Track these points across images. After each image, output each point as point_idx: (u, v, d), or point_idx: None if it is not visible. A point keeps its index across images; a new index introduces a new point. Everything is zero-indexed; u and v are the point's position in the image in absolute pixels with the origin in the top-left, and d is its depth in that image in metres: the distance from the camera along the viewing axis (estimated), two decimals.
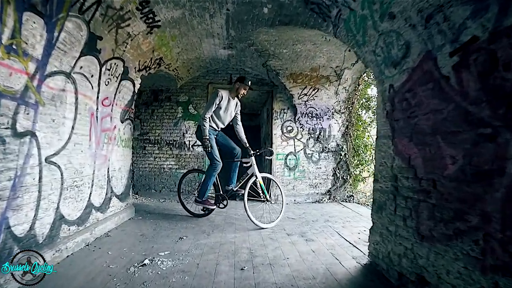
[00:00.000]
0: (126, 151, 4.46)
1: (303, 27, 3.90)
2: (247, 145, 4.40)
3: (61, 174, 2.92)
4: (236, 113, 4.40)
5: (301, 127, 6.33)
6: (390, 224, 2.58)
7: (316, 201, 6.28)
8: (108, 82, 3.78)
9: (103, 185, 3.75)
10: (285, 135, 6.30)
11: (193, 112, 6.25)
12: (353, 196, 6.54)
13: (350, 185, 6.82)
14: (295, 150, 6.31)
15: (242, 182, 4.26)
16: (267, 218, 4.30)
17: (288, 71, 5.77)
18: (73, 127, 3.09)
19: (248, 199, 4.00)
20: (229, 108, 4.24)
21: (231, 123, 4.48)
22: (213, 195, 4.47)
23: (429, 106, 2.19)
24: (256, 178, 4.11)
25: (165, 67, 5.14)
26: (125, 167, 4.42)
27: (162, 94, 6.39)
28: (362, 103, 7.76)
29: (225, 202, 4.37)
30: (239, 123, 4.47)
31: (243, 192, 4.16)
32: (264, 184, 4.19)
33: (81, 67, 3.16)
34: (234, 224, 4.18)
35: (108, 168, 3.89)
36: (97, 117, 3.60)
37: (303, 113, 6.30)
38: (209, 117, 4.10)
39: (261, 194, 4.13)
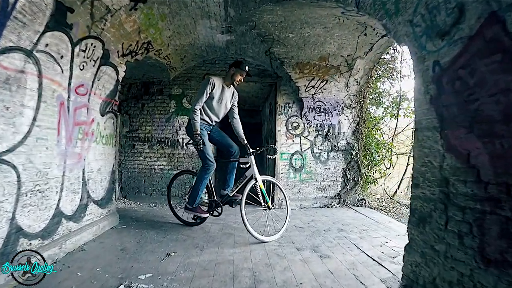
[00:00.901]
0: (107, 149, 3.88)
1: (316, 2, 3.34)
2: (245, 142, 3.81)
3: (18, 176, 2.37)
4: (232, 105, 3.84)
5: (308, 124, 5.77)
6: (437, 242, 2.02)
7: (325, 205, 5.71)
8: (83, 66, 3.22)
9: (77, 189, 3.18)
10: (290, 132, 5.73)
11: (187, 106, 5.68)
12: (364, 200, 5.99)
13: (361, 187, 6.27)
14: (301, 149, 5.74)
15: (240, 186, 3.67)
16: (271, 227, 3.71)
17: (294, 59, 5.21)
18: (35, 118, 2.54)
19: (246, 205, 3.41)
20: (223, 98, 3.67)
21: (226, 117, 3.92)
22: (206, 201, 3.89)
23: (497, 84, 1.63)
24: (256, 181, 3.51)
25: (154, 53, 4.57)
26: (107, 168, 3.84)
27: (153, 87, 5.82)
28: (372, 98, 7.26)
29: (219, 210, 3.77)
30: (236, 116, 3.89)
31: (240, 197, 3.60)
32: (266, 189, 3.62)
33: (46, 45, 2.61)
34: (232, 236, 3.60)
35: (84, 169, 3.31)
36: (68, 107, 3.04)
37: (310, 107, 5.73)
38: (199, 109, 3.53)
39: (262, 201, 3.52)
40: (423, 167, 2.25)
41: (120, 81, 4.08)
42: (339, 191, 5.87)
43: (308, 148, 5.76)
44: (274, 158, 5.55)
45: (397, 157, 8.16)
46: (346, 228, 4.09)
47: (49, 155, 2.73)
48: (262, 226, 3.70)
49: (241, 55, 5.61)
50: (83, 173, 3.30)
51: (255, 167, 3.57)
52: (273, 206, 3.63)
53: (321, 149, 5.82)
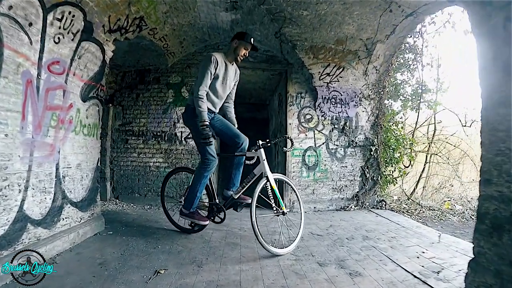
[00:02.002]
0: (91, 141, 3.33)
1: None
2: (236, 126, 3.31)
3: None
4: (235, 85, 3.30)
5: (322, 116, 5.19)
6: None
7: (341, 208, 5.13)
8: (59, 39, 2.69)
9: (48, 188, 2.63)
10: (302, 126, 5.15)
11: (186, 96, 5.12)
12: (384, 202, 5.41)
13: (380, 187, 5.69)
14: (315, 144, 5.16)
15: (246, 186, 3.06)
16: (284, 235, 3.11)
17: (308, 42, 4.64)
18: None
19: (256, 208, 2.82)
20: (227, 77, 3.10)
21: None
22: (207, 204, 3.30)
23: None
24: (268, 181, 2.89)
25: (148, 32, 4.02)
26: (89, 163, 3.29)
27: (149, 75, 5.27)
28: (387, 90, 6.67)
29: (222, 215, 3.18)
30: (233, 98, 3.37)
31: (247, 200, 3.02)
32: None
33: (10, 7, 2.11)
34: (238, 247, 2.99)
35: (58, 164, 2.76)
36: (38, 87, 2.51)
37: (325, 98, 5.16)
38: (205, 94, 2.93)
39: (275, 205, 2.88)
40: (498, 157, 1.65)
41: (108, 62, 3.54)
42: (357, 191, 5.28)
43: (323, 143, 5.18)
44: (285, 155, 4.98)
45: (416, 155, 7.59)
46: (372, 236, 3.51)
47: (10, 144, 2.18)
48: (272, 233, 3.11)
49: None
50: (57, 169, 2.74)
51: (265, 163, 2.96)
52: (288, 210, 3.04)
53: (337, 145, 5.24)
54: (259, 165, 2.97)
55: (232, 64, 3.14)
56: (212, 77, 2.95)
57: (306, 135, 5.14)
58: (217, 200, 3.23)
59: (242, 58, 3.07)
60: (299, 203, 3.19)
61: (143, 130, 5.17)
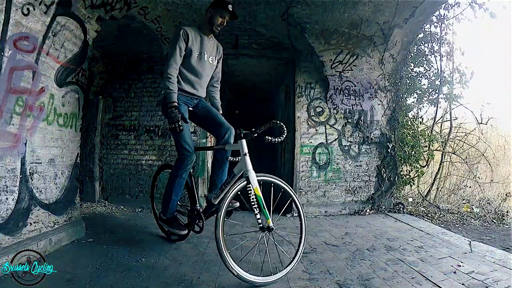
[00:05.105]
0: (68, 133, 2.93)
1: None
2: (221, 111, 2.88)
3: None
4: (218, 63, 2.86)
5: (334, 109, 4.77)
6: None
7: (355, 212, 4.71)
8: (28, 10, 2.33)
9: (10, 186, 2.23)
10: (312, 120, 4.73)
11: None
12: (402, 205, 4.98)
13: (396, 189, 5.26)
14: (326, 141, 4.73)
15: (226, 190, 2.41)
16: (274, 256, 2.42)
17: (319, 26, 4.23)
18: None
19: (242, 211, 2.28)
20: (204, 51, 2.65)
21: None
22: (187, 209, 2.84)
23: None
24: (248, 183, 2.25)
25: (139, 12, 3.64)
26: (65, 158, 2.89)
27: (142, 64, 4.90)
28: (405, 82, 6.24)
29: (201, 223, 2.65)
30: (218, 80, 2.95)
31: (234, 204, 2.44)
32: (266, 195, 2.32)
33: None
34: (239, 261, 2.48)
35: (24, 158, 2.36)
36: (0, 65, 2.11)
37: (338, 88, 4.74)
38: (176, 74, 2.53)
39: (258, 216, 2.20)
40: None
41: (91, 43, 3.16)
42: (372, 193, 4.86)
43: (335, 139, 4.76)
44: (293, 152, 4.56)
45: (433, 153, 7.16)
46: (396, 245, 3.08)
47: None
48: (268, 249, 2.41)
49: (250, 23, 4.64)
50: (23, 164, 2.35)
51: (247, 158, 2.32)
52: (292, 217, 2.44)
53: (350, 141, 4.81)
54: (240, 162, 2.37)
55: (210, 38, 2.72)
56: (183, 52, 2.54)
57: (317, 130, 4.72)
58: (197, 205, 2.76)
59: (219, 28, 2.64)
60: (300, 215, 2.43)
61: (135, 125, 4.79)
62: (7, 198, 2.20)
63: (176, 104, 2.44)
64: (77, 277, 2.07)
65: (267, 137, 2.31)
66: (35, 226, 2.47)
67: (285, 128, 2.39)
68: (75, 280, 2.01)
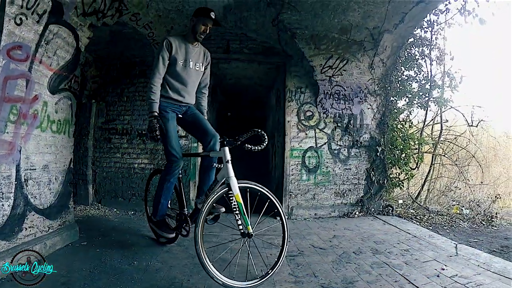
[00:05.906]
0: (61, 139, 3.02)
1: None
2: (206, 116, 3.01)
3: None
4: (205, 69, 2.96)
5: (324, 113, 4.90)
6: None
7: (344, 214, 4.84)
8: (21, 20, 2.40)
9: (6, 193, 2.32)
10: (302, 124, 4.85)
11: None
12: (391, 207, 5.13)
13: (386, 191, 5.41)
14: (316, 145, 4.86)
15: (211, 196, 2.38)
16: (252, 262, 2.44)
17: (309, 31, 4.36)
18: None
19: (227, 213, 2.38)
20: (190, 59, 2.76)
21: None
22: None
23: None
24: (230, 190, 2.31)
25: (130, 18, 3.74)
26: (59, 164, 2.98)
27: (135, 68, 4.99)
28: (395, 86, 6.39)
29: (187, 228, 2.75)
30: (206, 87, 3.05)
31: (220, 209, 2.54)
32: (248, 202, 2.38)
33: None
34: (229, 264, 2.51)
35: (19, 165, 2.45)
36: None
37: (327, 93, 4.87)
38: (159, 84, 2.65)
39: (240, 223, 2.28)
40: None
41: (83, 50, 3.25)
42: (362, 196, 5.00)
43: (325, 143, 4.89)
44: (283, 156, 4.68)
45: (423, 156, 7.34)
46: (382, 248, 3.22)
47: None
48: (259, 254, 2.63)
49: (241, 28, 4.76)
50: (18, 171, 2.44)
51: (229, 165, 2.38)
52: (252, 234, 2.28)
53: (340, 145, 4.95)
54: (223, 168, 2.45)
55: (195, 45, 2.82)
56: (166, 62, 2.66)
57: (306, 134, 4.85)
58: (185, 210, 2.86)
59: (202, 36, 2.73)
60: (283, 221, 2.42)
61: (127, 128, 4.89)
62: (2, 205, 2.29)
63: (155, 114, 2.58)
64: (71, 280, 2.17)
65: (247, 145, 2.42)
66: (30, 230, 2.56)
67: (266, 137, 2.49)
68: (69, 283, 2.12)
